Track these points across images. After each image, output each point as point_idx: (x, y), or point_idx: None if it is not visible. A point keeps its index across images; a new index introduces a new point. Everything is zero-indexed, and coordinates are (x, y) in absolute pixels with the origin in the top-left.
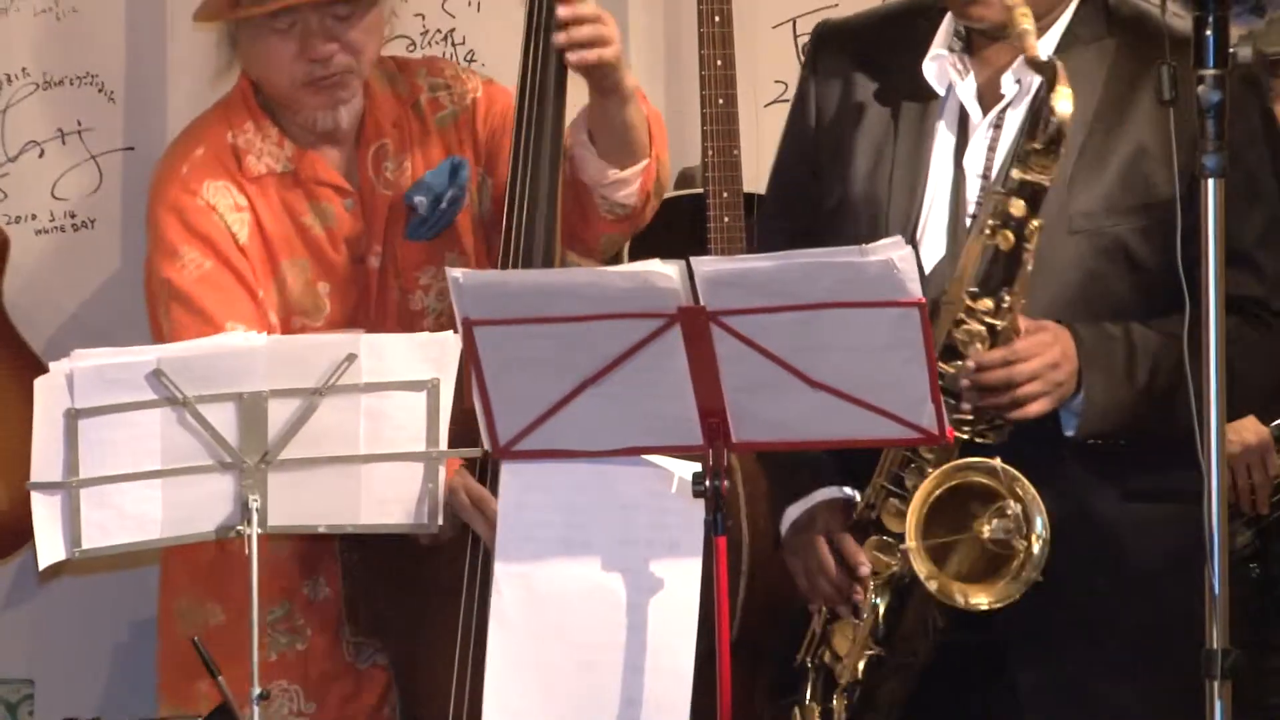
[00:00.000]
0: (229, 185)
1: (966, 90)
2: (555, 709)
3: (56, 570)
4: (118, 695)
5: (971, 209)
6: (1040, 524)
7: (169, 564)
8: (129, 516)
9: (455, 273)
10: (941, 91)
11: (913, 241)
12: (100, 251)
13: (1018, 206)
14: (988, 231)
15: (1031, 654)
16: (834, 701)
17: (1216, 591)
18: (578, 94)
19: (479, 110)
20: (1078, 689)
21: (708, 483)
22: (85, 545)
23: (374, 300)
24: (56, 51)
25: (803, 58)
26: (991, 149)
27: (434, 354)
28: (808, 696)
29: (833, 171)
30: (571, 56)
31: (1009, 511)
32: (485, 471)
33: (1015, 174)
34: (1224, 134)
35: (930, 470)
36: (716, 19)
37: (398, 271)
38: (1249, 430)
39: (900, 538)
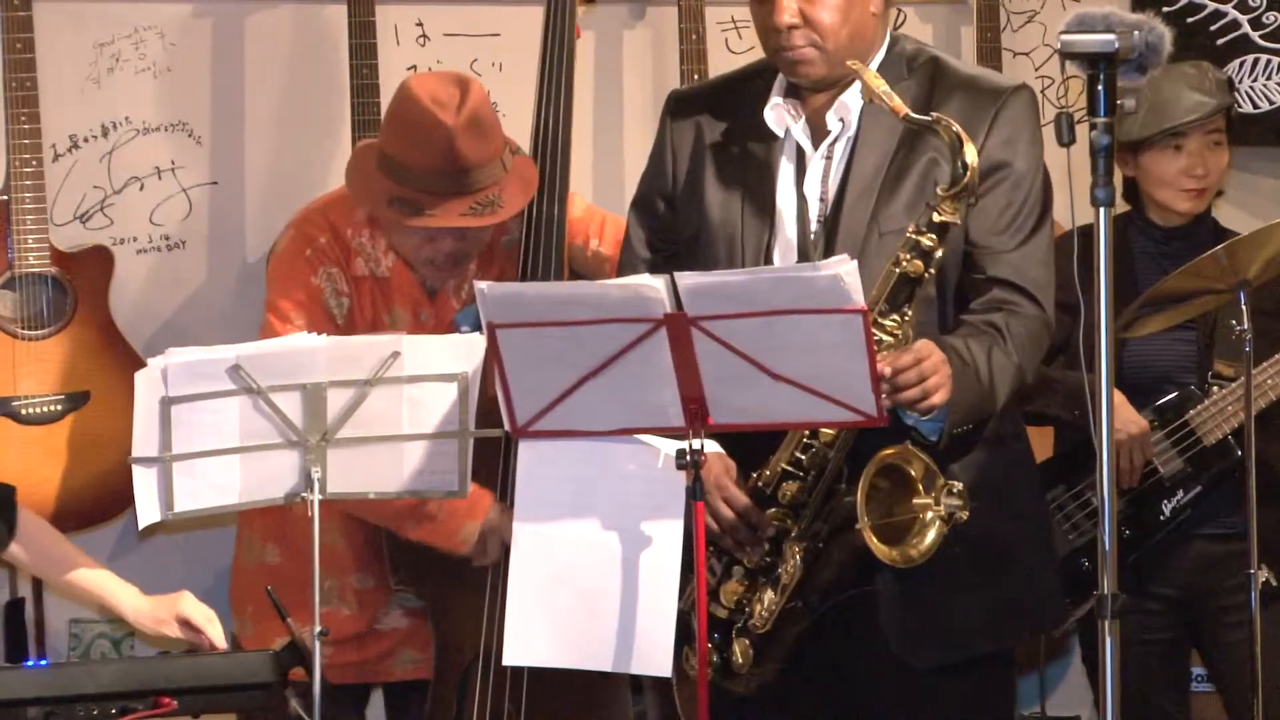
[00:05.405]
0: (340, 274)
1: (799, 130)
2: (564, 641)
3: (153, 529)
4: None
5: (814, 227)
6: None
7: (245, 512)
8: (213, 485)
9: (481, 285)
10: (780, 133)
11: (767, 258)
12: (190, 268)
13: (930, 240)
14: (905, 259)
15: (891, 573)
16: (733, 645)
17: (1107, 547)
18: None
19: None
20: (930, 599)
21: (688, 457)
22: (177, 508)
23: None
24: (153, 103)
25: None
26: (825, 176)
27: (463, 352)
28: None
29: (689, 206)
30: None
31: (954, 490)
32: (506, 447)
33: (935, 217)
34: (1111, 170)
35: (830, 454)
36: (694, 36)
37: None
38: (1133, 423)
39: (795, 507)
